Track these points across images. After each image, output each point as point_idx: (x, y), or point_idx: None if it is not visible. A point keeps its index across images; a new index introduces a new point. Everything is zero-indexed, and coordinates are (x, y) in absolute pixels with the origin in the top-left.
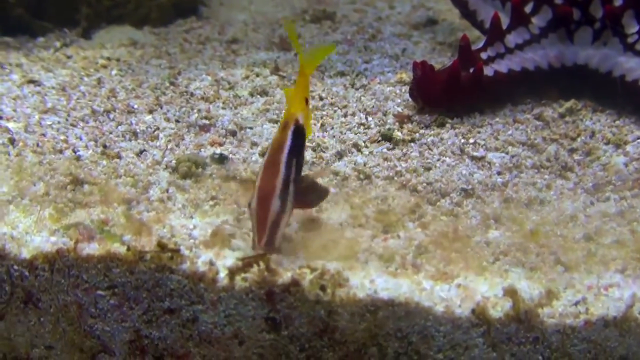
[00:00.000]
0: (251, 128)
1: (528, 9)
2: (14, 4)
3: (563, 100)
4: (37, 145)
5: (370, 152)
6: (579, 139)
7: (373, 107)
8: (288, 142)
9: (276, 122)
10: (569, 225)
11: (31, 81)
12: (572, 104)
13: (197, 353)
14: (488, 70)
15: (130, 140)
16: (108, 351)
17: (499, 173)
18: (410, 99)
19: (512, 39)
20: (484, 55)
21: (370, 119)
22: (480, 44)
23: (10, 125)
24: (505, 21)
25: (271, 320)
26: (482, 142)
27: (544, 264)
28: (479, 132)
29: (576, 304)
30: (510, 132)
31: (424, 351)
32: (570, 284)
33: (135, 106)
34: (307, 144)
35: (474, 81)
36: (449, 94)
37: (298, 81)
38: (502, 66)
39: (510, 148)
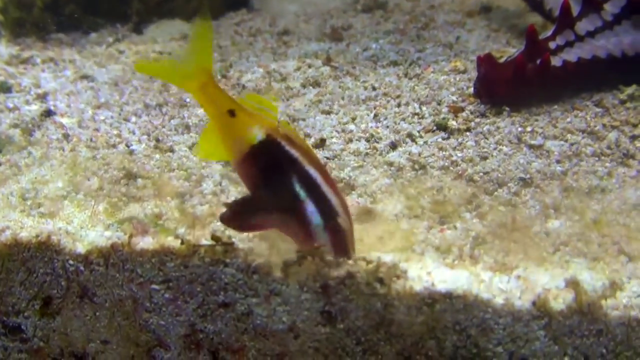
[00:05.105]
0: (304, 119)
1: None
2: (67, 0)
3: (623, 86)
4: (91, 140)
5: (425, 142)
6: None
7: (427, 96)
8: None
9: (329, 113)
10: (632, 214)
11: (84, 77)
12: (634, 90)
13: (252, 347)
14: (556, 61)
15: (182, 133)
16: (163, 345)
17: (558, 161)
18: (463, 89)
19: (582, 26)
20: (552, 45)
21: (424, 108)
22: (549, 33)
23: (65, 120)
24: (575, 9)
25: (327, 314)
26: (540, 130)
27: (606, 254)
28: (536, 120)
29: None
30: (569, 119)
31: (483, 344)
32: (635, 274)
33: (188, 100)
34: (361, 134)
35: (541, 74)
36: (515, 90)
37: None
38: (571, 55)
39: (569, 136)
